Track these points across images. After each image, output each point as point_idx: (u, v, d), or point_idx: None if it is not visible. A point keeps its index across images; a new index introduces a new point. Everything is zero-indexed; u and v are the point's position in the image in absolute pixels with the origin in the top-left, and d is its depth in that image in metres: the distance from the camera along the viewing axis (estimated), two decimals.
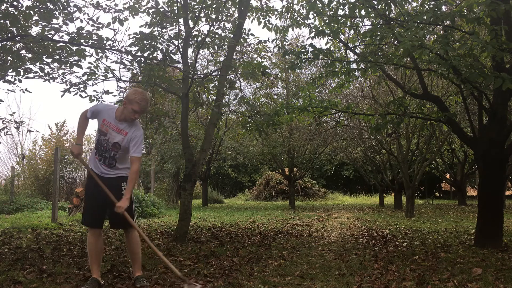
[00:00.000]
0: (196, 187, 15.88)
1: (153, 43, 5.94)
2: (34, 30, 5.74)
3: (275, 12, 7.72)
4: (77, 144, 3.72)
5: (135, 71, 6.91)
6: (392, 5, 5.74)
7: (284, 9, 7.76)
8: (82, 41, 5.75)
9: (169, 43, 6.21)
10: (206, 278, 3.96)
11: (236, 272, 4.21)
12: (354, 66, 6.17)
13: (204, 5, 6.47)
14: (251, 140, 15.71)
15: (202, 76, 7.04)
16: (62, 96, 7.46)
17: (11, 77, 6.09)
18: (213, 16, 6.74)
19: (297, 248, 5.81)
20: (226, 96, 7.91)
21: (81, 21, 5.99)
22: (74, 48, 5.90)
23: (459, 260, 4.80)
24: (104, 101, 6.76)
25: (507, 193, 24.08)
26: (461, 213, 12.57)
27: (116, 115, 3.64)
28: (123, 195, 3.60)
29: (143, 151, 3.55)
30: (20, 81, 6.16)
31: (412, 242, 6.32)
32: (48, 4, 5.50)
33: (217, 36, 6.78)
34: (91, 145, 18.63)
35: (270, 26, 7.55)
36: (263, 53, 8.73)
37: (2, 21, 5.23)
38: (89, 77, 6.44)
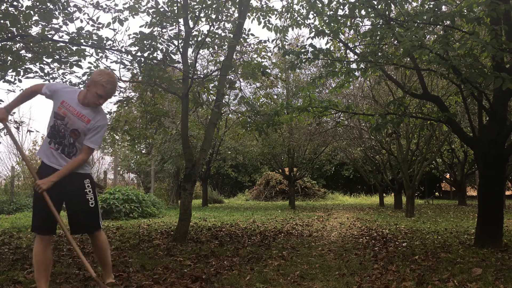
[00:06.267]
0: (196, 187, 15.88)
1: (153, 43, 5.94)
2: (34, 30, 5.75)
3: (275, 12, 7.72)
4: (5, 107, 3.22)
5: (135, 71, 6.91)
6: (392, 5, 5.74)
7: (284, 9, 7.76)
8: (82, 41, 5.75)
9: (169, 43, 6.21)
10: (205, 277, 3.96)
11: (236, 272, 4.20)
12: (354, 66, 6.17)
13: (204, 5, 6.48)
14: (251, 140, 15.72)
15: (202, 76, 7.04)
16: None
17: (11, 77, 6.10)
18: (213, 16, 6.74)
19: (297, 248, 5.80)
20: (226, 96, 7.91)
21: (81, 21, 6.01)
22: (74, 48, 5.91)
23: (459, 260, 4.80)
24: None
25: (507, 193, 24.07)
26: (461, 213, 12.57)
27: (78, 98, 3.13)
28: (86, 194, 3.16)
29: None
30: (20, 81, 6.17)
31: (412, 242, 6.32)
32: (48, 4, 5.50)
33: (217, 36, 6.78)
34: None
35: (270, 26, 7.56)
36: (263, 53, 8.74)
37: (2, 21, 5.22)
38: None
